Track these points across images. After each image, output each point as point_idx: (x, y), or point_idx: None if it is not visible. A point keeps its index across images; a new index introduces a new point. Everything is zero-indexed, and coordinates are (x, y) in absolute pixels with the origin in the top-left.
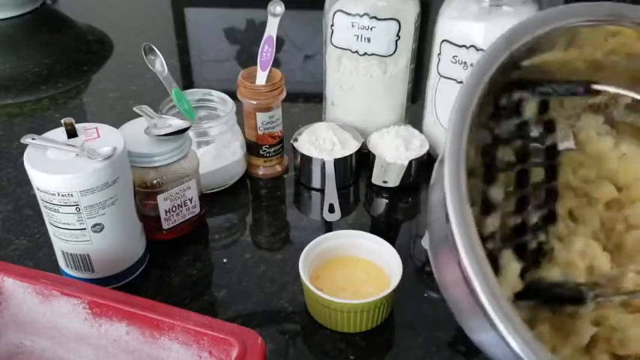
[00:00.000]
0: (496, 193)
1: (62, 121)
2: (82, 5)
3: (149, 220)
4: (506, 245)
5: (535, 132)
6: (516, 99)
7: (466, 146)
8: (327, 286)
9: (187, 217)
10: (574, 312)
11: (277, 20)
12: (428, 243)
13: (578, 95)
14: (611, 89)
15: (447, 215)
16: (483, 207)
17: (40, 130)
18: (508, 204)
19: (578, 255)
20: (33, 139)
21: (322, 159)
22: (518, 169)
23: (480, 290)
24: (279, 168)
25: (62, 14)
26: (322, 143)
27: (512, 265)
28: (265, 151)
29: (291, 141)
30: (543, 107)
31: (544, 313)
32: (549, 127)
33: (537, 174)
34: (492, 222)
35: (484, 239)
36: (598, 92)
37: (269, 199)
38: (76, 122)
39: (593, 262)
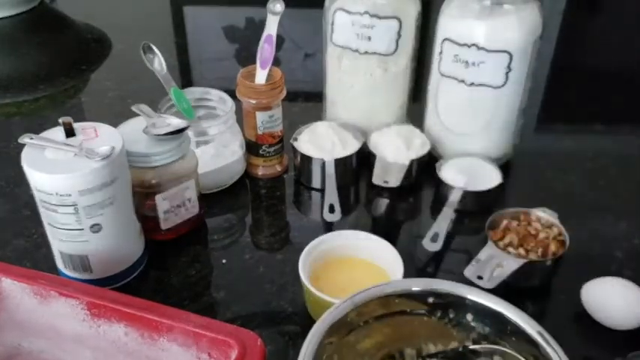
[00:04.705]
0: None
1: (60, 120)
2: (81, 4)
3: (148, 220)
4: None
5: None
6: None
7: None
8: (327, 287)
9: (186, 217)
10: None
11: (277, 18)
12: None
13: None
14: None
15: None
16: None
17: (38, 130)
18: None
19: None
20: (31, 138)
21: (322, 159)
22: None
23: None
24: (278, 168)
25: (60, 13)
26: (322, 143)
27: None
28: (265, 150)
29: (291, 140)
30: None
31: None
32: None
33: None
34: None
35: None
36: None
37: (269, 199)
38: (75, 122)
39: None
